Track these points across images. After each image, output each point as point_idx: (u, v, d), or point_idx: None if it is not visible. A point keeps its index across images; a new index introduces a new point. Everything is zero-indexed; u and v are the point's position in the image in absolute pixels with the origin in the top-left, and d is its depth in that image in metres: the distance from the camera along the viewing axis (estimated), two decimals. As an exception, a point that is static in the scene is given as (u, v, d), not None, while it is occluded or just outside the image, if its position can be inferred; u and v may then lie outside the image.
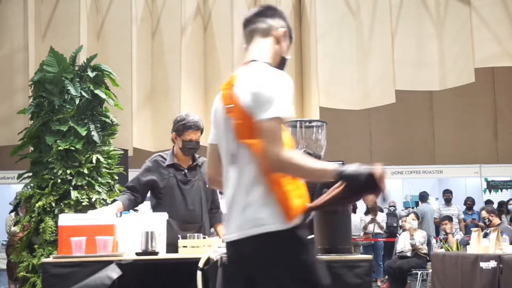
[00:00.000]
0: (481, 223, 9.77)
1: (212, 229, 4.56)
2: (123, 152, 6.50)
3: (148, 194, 4.52)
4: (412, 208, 13.65)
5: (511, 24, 10.00)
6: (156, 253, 3.64)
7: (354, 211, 11.22)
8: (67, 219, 3.68)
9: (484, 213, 8.71)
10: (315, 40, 9.72)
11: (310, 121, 3.53)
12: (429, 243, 9.51)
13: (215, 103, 2.40)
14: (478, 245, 6.40)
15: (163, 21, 9.93)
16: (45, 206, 5.43)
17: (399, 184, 15.20)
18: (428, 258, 8.91)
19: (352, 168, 2.13)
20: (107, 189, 5.71)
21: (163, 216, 4.00)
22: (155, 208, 4.40)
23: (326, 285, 2.16)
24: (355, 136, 14.14)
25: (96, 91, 5.75)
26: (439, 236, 10.42)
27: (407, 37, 10.11)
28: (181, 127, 4.43)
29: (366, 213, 11.60)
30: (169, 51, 9.81)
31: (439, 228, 10.83)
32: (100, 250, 3.54)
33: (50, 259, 3.61)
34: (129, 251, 3.70)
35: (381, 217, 11.60)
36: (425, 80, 10.22)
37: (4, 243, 11.99)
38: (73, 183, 5.53)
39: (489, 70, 13.26)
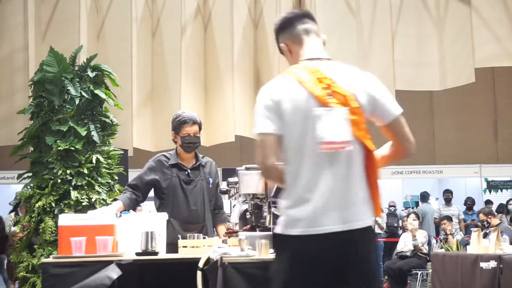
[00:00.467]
0: (480, 225, 9.77)
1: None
2: (123, 152, 6.50)
3: (152, 194, 4.52)
4: (412, 208, 13.65)
5: (511, 24, 9.99)
6: (156, 253, 3.64)
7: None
8: (67, 219, 3.69)
9: (482, 216, 8.72)
10: (315, 40, 9.71)
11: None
12: (429, 243, 9.50)
13: (286, 92, 2.37)
14: (478, 245, 6.39)
15: (163, 21, 9.92)
16: (45, 206, 5.42)
17: (399, 184, 15.21)
18: (428, 258, 8.91)
19: None
20: (107, 189, 5.71)
21: (163, 216, 4.00)
22: (159, 209, 4.40)
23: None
24: (355, 136, 14.10)
25: (96, 91, 5.75)
26: (439, 236, 10.42)
27: (407, 37, 10.10)
28: (177, 123, 4.43)
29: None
30: (169, 51, 9.80)
31: (439, 228, 10.83)
32: (100, 250, 3.54)
33: (50, 259, 3.61)
34: (129, 251, 3.70)
35: (381, 217, 11.60)
36: (425, 80, 10.21)
37: (4, 243, 11.97)
38: (73, 183, 5.53)
39: (489, 70, 13.25)
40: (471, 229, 8.14)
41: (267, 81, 2.61)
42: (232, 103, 9.70)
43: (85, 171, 5.55)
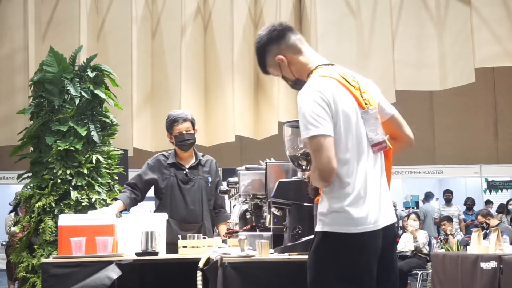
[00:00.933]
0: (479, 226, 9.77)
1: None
2: (123, 152, 6.49)
3: (151, 194, 4.52)
4: (412, 208, 13.65)
5: (511, 24, 9.99)
6: (156, 253, 3.63)
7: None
8: (67, 219, 3.68)
9: (480, 218, 8.71)
10: (315, 40, 9.72)
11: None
12: (429, 244, 9.50)
13: (336, 94, 2.40)
14: (479, 245, 6.39)
15: (163, 21, 9.92)
16: (45, 206, 5.42)
17: (399, 184, 15.21)
18: (428, 259, 8.90)
19: None
20: (107, 189, 5.70)
21: (163, 216, 4.00)
22: (158, 209, 4.41)
23: None
24: (355, 136, 14.10)
25: (96, 91, 5.74)
26: (439, 237, 10.42)
27: (407, 37, 10.10)
28: (169, 124, 4.46)
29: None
30: (169, 51, 9.79)
31: (439, 228, 10.83)
32: (100, 251, 3.54)
33: (50, 260, 3.61)
34: (129, 251, 3.70)
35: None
36: (425, 80, 10.21)
37: (4, 243, 11.99)
38: (73, 183, 5.53)
39: (490, 70, 13.25)
40: (471, 229, 8.15)
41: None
42: (232, 103, 9.70)
43: (85, 171, 5.55)
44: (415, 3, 10.19)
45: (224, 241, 3.89)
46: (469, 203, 12.88)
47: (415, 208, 13.93)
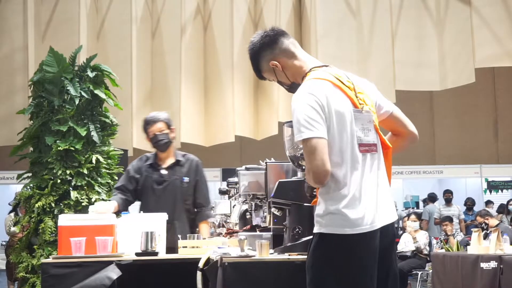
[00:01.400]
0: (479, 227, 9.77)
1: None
2: (122, 152, 6.49)
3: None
4: (412, 208, 13.65)
5: (511, 24, 9.99)
6: (156, 253, 3.63)
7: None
8: (66, 219, 3.68)
9: (479, 219, 8.71)
10: (315, 40, 9.72)
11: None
12: (429, 244, 9.50)
13: (330, 96, 2.40)
14: (479, 245, 6.38)
15: (163, 21, 9.92)
16: (45, 207, 5.42)
17: (399, 184, 15.21)
18: (428, 259, 8.90)
19: None
20: (106, 190, 5.70)
21: (163, 216, 4.00)
22: (140, 209, 4.45)
23: None
24: (355, 136, 14.10)
25: (96, 91, 5.74)
26: (440, 237, 10.41)
27: (407, 37, 10.10)
28: (143, 127, 4.54)
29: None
30: (169, 51, 9.80)
31: (440, 228, 10.83)
32: (99, 251, 3.54)
33: (50, 260, 3.61)
34: (129, 251, 3.69)
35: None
36: (425, 80, 10.21)
37: (4, 243, 11.98)
38: (72, 184, 5.52)
39: (490, 70, 13.25)
40: (472, 229, 8.14)
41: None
42: (232, 103, 9.70)
43: (85, 171, 5.54)
44: (415, 3, 10.20)
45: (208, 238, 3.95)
46: (469, 203, 12.87)
47: (415, 208, 13.92)
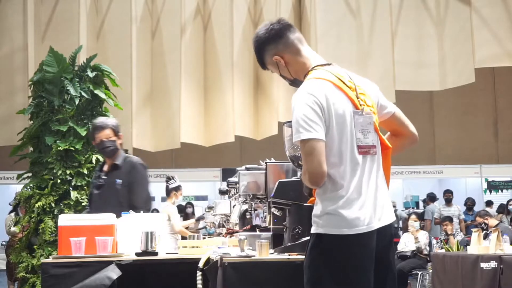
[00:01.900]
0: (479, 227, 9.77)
1: None
2: (123, 152, 6.48)
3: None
4: (413, 208, 13.64)
5: (511, 24, 9.99)
6: (156, 253, 3.63)
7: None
8: (66, 219, 3.68)
9: (478, 219, 8.70)
10: (315, 40, 9.71)
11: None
12: (429, 244, 9.49)
13: (330, 97, 2.39)
14: (479, 245, 6.38)
15: (163, 21, 9.92)
16: (45, 207, 5.42)
17: (399, 184, 15.20)
18: (428, 259, 8.90)
19: None
20: (106, 189, 5.69)
21: (163, 216, 4.00)
22: None
23: None
24: (355, 136, 14.10)
25: (96, 91, 5.74)
26: (440, 237, 10.41)
27: (407, 38, 10.10)
28: (91, 133, 4.56)
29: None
30: (169, 51, 9.79)
31: (440, 228, 10.83)
32: (99, 251, 3.54)
33: (50, 260, 3.60)
34: (129, 251, 3.69)
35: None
36: (425, 80, 10.21)
37: (4, 243, 11.98)
38: (72, 183, 5.53)
39: (489, 70, 13.25)
40: (472, 229, 8.13)
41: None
42: (232, 103, 9.69)
43: (85, 171, 5.55)
44: (415, 3, 10.20)
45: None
46: (469, 204, 12.86)
47: (415, 208, 13.91)
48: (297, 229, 3.00)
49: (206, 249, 3.53)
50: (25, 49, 8.87)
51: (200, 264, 3.24)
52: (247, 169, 3.69)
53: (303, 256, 2.49)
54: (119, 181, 4.37)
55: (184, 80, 9.62)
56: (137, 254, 3.62)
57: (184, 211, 11.31)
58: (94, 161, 5.60)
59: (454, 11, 10.11)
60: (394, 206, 12.15)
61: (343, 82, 2.45)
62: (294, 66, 2.57)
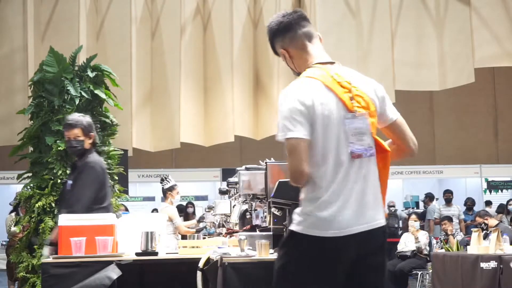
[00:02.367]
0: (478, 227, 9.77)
1: None
2: (122, 152, 6.49)
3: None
4: (412, 208, 13.64)
5: (511, 24, 9.99)
6: (155, 253, 3.63)
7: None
8: (66, 219, 3.68)
9: (478, 219, 8.70)
10: (315, 40, 9.71)
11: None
12: (429, 244, 9.49)
13: (316, 97, 2.37)
14: (479, 245, 6.39)
15: (163, 21, 9.92)
16: (45, 207, 5.42)
17: (399, 184, 15.20)
18: (428, 259, 8.90)
19: None
20: (107, 189, 5.69)
21: (163, 216, 4.00)
22: None
23: None
24: (355, 136, 14.11)
25: (96, 91, 5.74)
26: (440, 237, 10.42)
27: (407, 37, 10.10)
28: (63, 128, 4.44)
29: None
30: (169, 51, 9.79)
31: (440, 228, 10.84)
32: (100, 251, 3.54)
33: (50, 260, 3.61)
34: (129, 251, 3.69)
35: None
36: (425, 80, 10.21)
37: (4, 243, 11.98)
38: (72, 183, 5.52)
39: (489, 70, 13.25)
40: (471, 229, 8.13)
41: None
42: (231, 103, 9.69)
43: (85, 171, 5.53)
44: (415, 3, 10.20)
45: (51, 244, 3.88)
46: (469, 204, 12.86)
47: (415, 208, 13.91)
48: (297, 229, 2.99)
49: (206, 249, 3.54)
50: (25, 49, 8.87)
51: (200, 264, 3.24)
52: (247, 169, 3.70)
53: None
54: (70, 182, 4.29)
55: (184, 80, 9.62)
56: (137, 254, 3.62)
57: (185, 211, 11.31)
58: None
59: (454, 11, 10.11)
60: (394, 206, 12.20)
61: (338, 82, 2.42)
62: (298, 60, 2.56)
